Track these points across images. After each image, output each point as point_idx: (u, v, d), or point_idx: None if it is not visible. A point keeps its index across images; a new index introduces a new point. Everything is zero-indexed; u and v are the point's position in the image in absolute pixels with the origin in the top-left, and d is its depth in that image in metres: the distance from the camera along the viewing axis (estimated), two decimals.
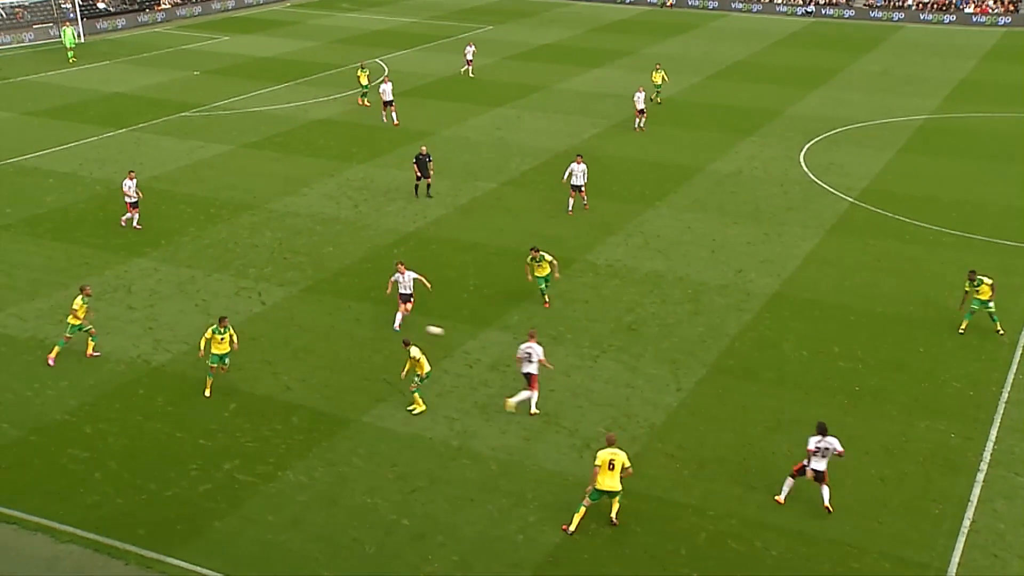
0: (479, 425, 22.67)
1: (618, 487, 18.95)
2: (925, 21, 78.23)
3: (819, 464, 19.47)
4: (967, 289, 26.75)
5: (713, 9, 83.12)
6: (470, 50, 58.24)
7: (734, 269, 31.31)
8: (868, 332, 27.24)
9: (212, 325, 23.97)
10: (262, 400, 23.41)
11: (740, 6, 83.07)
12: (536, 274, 28.12)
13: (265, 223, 34.77)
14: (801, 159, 42.55)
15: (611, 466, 18.85)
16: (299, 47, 65.07)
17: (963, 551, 18.65)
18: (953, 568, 18.25)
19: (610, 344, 26.47)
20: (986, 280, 26.60)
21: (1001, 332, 26.86)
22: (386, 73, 55.65)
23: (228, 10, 79.54)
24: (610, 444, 19.26)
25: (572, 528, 19.01)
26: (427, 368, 22.74)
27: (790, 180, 39.85)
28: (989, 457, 21.55)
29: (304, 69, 58.29)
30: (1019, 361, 25.63)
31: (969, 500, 20.12)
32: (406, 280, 26.70)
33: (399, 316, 26.99)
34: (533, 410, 23.05)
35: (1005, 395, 24.06)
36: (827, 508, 19.55)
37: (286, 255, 32.05)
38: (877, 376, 24.91)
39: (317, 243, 33.08)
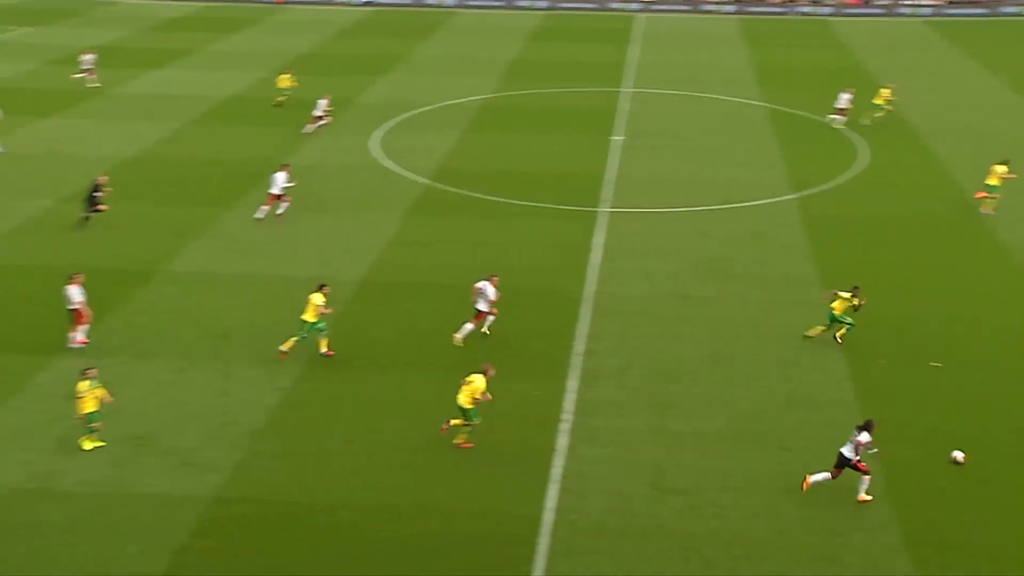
0: (61, 462, 21.11)
1: (464, 405, 21.42)
2: (474, 6, 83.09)
3: (849, 452, 19.98)
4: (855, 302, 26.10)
5: (270, 3, 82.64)
6: (88, 58, 53.34)
7: (319, 261, 31.58)
8: (457, 306, 28.61)
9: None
10: None
11: None
12: (306, 317, 25.26)
13: None
14: (375, 145, 43.72)
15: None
16: None
17: (557, 497, 20.31)
18: (547, 513, 19.84)
19: (199, 353, 25.72)
20: (842, 294, 26.22)
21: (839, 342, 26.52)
22: None
23: None
24: (483, 373, 21.78)
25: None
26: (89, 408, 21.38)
27: (366, 167, 40.83)
28: (571, 407, 23.59)
29: None
30: (591, 316, 28.18)
31: (555, 449, 21.94)
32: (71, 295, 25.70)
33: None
34: (484, 329, 26.62)
35: (578, 347, 26.42)
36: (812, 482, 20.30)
37: None
38: (468, 347, 26.29)
39: None
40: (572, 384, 24.57)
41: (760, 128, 47.48)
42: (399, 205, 36.60)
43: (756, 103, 52.23)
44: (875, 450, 20.38)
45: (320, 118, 45.42)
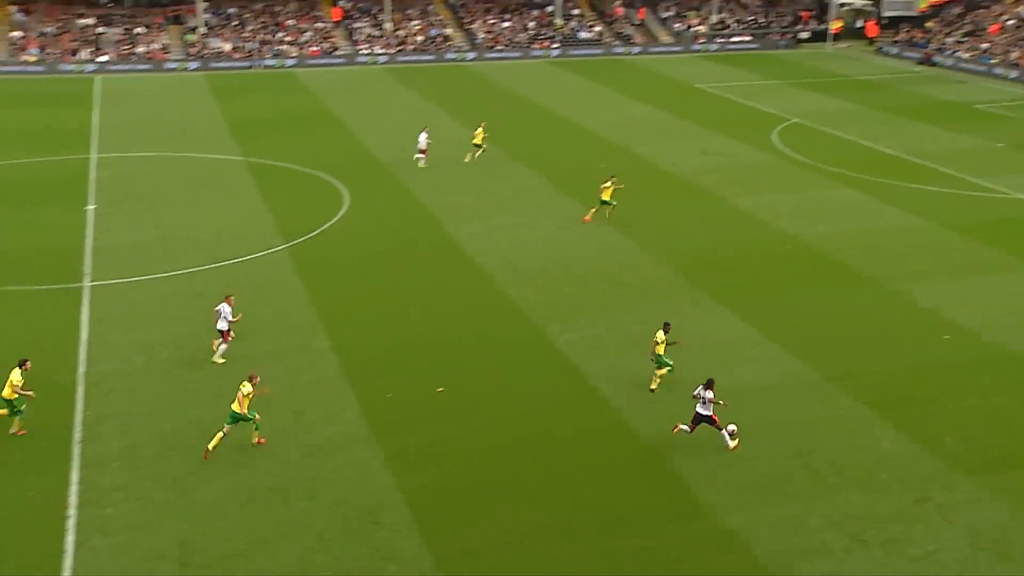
0: None
1: (237, 410, 23.35)
2: None
3: (703, 409, 23.72)
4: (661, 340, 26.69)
5: None
6: None
7: None
8: None
9: None
10: None
11: None
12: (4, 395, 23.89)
13: None
14: None
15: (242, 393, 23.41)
16: None
17: None
18: None
19: None
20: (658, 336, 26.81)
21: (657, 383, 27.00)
22: None
23: None
24: (250, 379, 23.67)
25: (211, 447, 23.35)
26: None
27: None
28: (76, 500, 21.78)
29: None
30: (87, 400, 26.22)
31: (65, 550, 20.13)
32: None
33: None
34: (219, 359, 28.29)
35: (77, 435, 24.49)
36: (731, 448, 23.96)
37: None
38: None
39: None
40: (75, 475, 22.72)
41: (242, 182, 47.49)
42: None
43: (234, 157, 52.18)
44: (724, 402, 24.17)
45: None
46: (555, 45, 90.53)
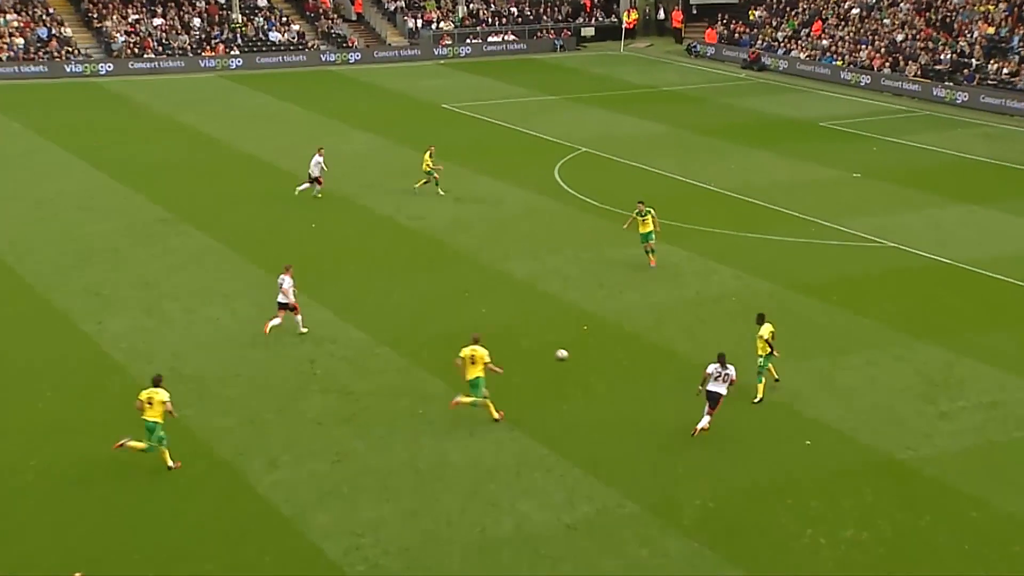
0: None
1: (476, 375, 31.34)
2: None
3: (718, 387, 30.78)
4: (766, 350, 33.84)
5: None
6: None
7: None
8: None
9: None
10: None
11: None
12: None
13: None
14: None
15: (472, 360, 31.16)
16: None
17: None
18: None
19: None
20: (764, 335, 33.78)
21: (777, 379, 35.02)
22: None
23: None
24: (475, 342, 31.42)
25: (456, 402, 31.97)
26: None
27: None
28: None
29: None
30: None
31: None
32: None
33: None
34: (301, 329, 38.12)
35: None
36: (699, 430, 30.92)
37: None
38: None
39: None
40: None
41: None
42: None
43: None
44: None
45: None
46: (235, 52, 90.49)
